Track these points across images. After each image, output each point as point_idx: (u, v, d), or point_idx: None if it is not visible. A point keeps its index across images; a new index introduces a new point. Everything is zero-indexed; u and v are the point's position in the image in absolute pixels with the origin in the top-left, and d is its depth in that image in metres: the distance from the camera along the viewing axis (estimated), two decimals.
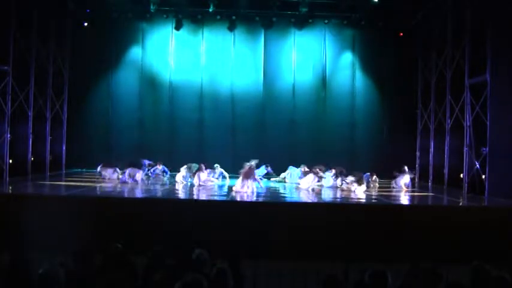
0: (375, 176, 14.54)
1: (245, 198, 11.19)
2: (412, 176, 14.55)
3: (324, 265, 6.22)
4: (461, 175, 13.46)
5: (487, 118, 12.07)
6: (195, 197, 11.62)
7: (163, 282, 4.15)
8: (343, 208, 10.47)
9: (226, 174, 15.13)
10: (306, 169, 14.35)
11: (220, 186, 13.77)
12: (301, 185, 13.63)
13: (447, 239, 8.92)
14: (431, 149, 16.11)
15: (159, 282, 4.21)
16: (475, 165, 12.59)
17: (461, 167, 13.40)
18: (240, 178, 12.17)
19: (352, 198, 11.66)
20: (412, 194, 13.10)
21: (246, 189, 11.89)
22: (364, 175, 13.72)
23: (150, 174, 15.21)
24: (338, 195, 12.60)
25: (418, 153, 17.26)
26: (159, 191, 12.57)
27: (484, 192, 11.96)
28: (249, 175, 12.09)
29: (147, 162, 15.04)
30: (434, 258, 6.59)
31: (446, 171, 14.67)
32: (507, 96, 11.90)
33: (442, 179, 14.86)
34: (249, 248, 8.11)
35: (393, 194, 12.80)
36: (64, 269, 4.04)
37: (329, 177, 14.10)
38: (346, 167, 14.56)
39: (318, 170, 13.62)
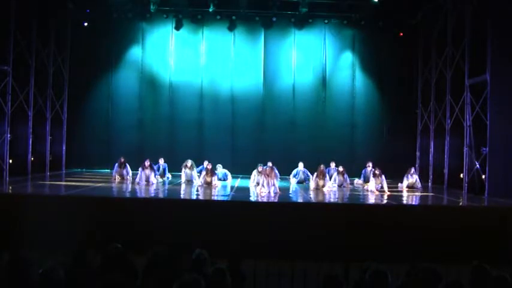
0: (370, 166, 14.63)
1: (266, 199, 11.13)
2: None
3: (324, 265, 6.24)
4: (461, 175, 13.46)
5: (487, 118, 12.07)
6: (195, 197, 11.63)
7: (163, 282, 4.15)
8: (343, 208, 10.47)
9: (229, 174, 15.18)
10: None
11: (224, 187, 13.76)
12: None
13: (447, 239, 8.92)
14: (431, 149, 16.10)
15: (158, 283, 4.21)
16: (475, 165, 12.59)
17: (461, 167, 13.40)
18: (262, 178, 12.15)
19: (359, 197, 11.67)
20: (412, 194, 13.09)
21: (268, 189, 11.82)
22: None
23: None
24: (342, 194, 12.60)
25: (418, 153, 17.25)
26: (159, 191, 12.57)
27: (484, 192, 11.96)
28: (271, 175, 12.03)
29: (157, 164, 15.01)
30: (434, 258, 6.60)
31: (446, 171, 14.67)
32: (507, 96, 11.90)
33: (442, 179, 14.86)
34: (249, 248, 8.11)
35: (394, 193, 12.80)
36: (64, 269, 4.04)
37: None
38: (346, 167, 14.59)
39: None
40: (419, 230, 9.10)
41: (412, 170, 14.02)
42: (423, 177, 16.50)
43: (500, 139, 11.84)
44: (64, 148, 17.11)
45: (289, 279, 6.62)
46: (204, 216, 9.23)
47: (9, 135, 13.30)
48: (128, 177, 14.15)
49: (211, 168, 13.78)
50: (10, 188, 11.96)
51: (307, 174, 14.70)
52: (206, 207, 10.25)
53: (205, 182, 13.37)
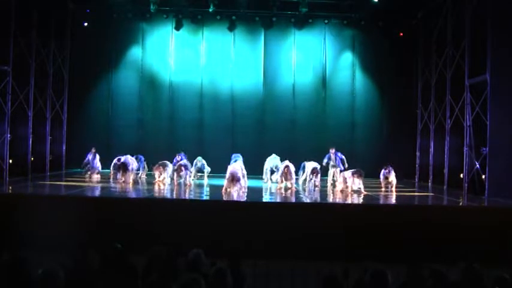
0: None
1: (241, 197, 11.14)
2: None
3: (324, 265, 6.22)
4: (461, 175, 13.46)
5: (487, 118, 12.07)
6: (193, 197, 11.63)
7: (162, 282, 4.15)
8: (343, 208, 10.46)
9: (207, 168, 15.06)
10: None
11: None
12: None
13: (447, 239, 8.91)
14: (431, 149, 16.10)
15: (158, 283, 4.21)
16: (475, 165, 12.59)
17: (461, 167, 13.40)
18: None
19: (353, 197, 11.66)
20: (412, 194, 13.09)
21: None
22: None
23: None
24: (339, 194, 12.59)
25: (418, 153, 17.26)
26: (158, 191, 12.57)
27: (484, 192, 11.96)
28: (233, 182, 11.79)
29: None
30: (434, 258, 6.60)
31: (446, 171, 14.67)
32: (507, 96, 11.91)
33: (442, 179, 14.86)
34: (249, 248, 8.10)
35: (392, 193, 12.78)
36: (64, 269, 4.04)
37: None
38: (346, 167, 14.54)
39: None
40: (419, 230, 9.10)
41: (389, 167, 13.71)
42: (423, 177, 16.52)
43: (500, 139, 11.85)
44: (64, 148, 17.12)
45: (289, 279, 6.61)
46: (204, 216, 9.24)
47: (9, 135, 13.29)
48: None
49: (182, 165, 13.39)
50: (10, 188, 11.96)
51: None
52: (206, 207, 10.25)
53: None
